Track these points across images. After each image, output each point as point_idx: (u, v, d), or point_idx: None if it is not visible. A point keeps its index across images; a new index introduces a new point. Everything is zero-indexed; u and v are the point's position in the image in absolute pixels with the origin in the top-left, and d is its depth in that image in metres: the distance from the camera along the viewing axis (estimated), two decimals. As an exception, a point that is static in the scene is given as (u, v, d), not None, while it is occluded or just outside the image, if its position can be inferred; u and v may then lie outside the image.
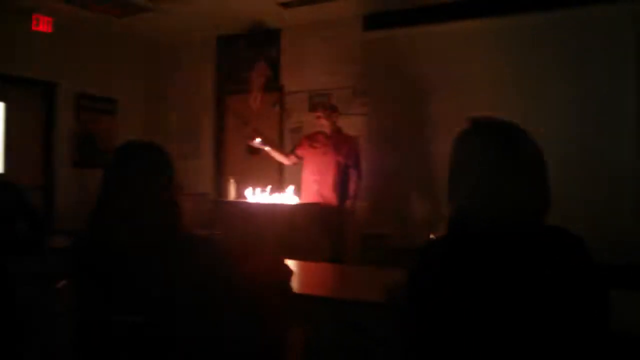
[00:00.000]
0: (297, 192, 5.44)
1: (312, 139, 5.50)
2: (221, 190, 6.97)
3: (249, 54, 7.05)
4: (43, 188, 6.64)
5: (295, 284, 2.45)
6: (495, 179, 1.34)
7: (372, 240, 5.59)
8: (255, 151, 7.01)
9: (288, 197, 5.27)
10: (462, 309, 1.27)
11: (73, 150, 6.95)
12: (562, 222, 1.37)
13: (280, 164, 6.44)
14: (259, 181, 5.64)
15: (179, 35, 7.28)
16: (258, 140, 5.55)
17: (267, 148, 5.61)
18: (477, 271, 1.29)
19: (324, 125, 5.37)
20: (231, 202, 5.38)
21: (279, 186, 5.70)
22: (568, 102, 5.19)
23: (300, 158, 5.58)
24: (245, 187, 5.36)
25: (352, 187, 5.34)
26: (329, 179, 5.33)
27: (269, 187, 5.34)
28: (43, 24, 6.27)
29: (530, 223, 1.36)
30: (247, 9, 6.24)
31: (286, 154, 5.66)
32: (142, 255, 1.74)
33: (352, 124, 6.00)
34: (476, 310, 1.26)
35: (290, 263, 3.16)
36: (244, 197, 5.31)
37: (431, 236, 2.12)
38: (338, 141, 5.39)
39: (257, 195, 5.30)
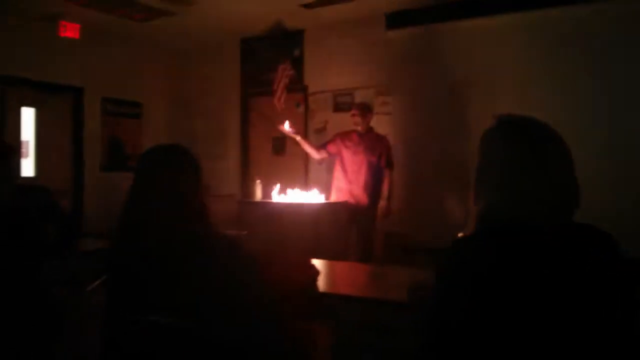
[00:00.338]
0: (324, 191, 5.44)
1: (345, 137, 5.49)
2: (247, 191, 7.01)
3: (272, 55, 7.07)
4: (72, 192, 6.76)
5: (322, 283, 2.45)
6: (520, 176, 1.34)
7: (395, 238, 5.56)
8: (281, 151, 7.05)
9: (314, 196, 5.27)
10: (492, 306, 1.26)
11: (101, 154, 7.06)
12: (596, 220, 1.35)
13: (306, 165, 6.45)
14: (285, 181, 5.65)
15: (202, 39, 7.34)
16: (287, 125, 5.51)
17: (298, 138, 5.58)
18: (507, 269, 1.28)
19: (358, 123, 5.37)
20: (257, 203, 5.39)
21: (304, 186, 5.71)
22: (599, 97, 5.08)
23: (330, 155, 5.56)
24: (272, 188, 5.37)
25: (386, 187, 5.34)
26: (361, 178, 5.33)
27: (295, 189, 5.34)
28: (70, 30, 6.36)
29: (558, 220, 1.34)
30: (270, 11, 6.26)
31: (317, 148, 5.64)
32: (170, 256, 1.75)
33: (375, 123, 6.00)
34: (507, 307, 1.25)
35: (318, 263, 3.16)
36: (270, 198, 5.32)
37: (459, 235, 2.09)
38: (371, 141, 5.38)
39: (283, 196, 5.31)
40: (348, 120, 5.51)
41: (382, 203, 5.31)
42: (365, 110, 5.43)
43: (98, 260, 3.96)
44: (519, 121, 1.44)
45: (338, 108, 6.54)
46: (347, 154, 5.41)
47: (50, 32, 6.25)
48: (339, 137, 5.54)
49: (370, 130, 5.44)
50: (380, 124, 5.98)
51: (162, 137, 7.74)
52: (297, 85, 6.83)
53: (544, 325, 1.23)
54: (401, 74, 6.12)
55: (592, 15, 5.10)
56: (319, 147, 5.63)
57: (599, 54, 5.09)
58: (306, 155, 5.97)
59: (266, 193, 5.46)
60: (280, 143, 7.07)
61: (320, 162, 5.90)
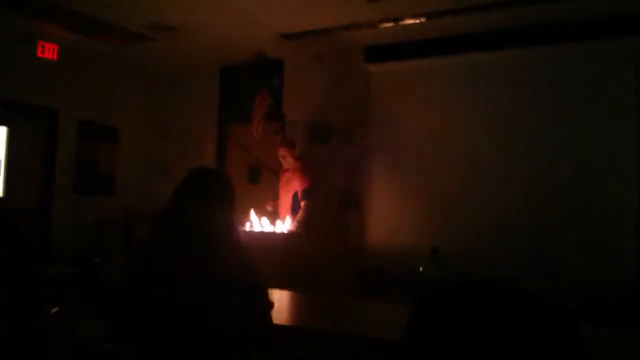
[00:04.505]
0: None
1: (281, 179, 5.83)
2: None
3: (251, 83, 7.07)
4: (41, 213, 6.63)
5: (278, 314, 2.41)
6: None
7: (368, 272, 5.54)
8: (256, 180, 7.03)
9: (282, 225, 5.29)
10: None
11: (73, 176, 6.95)
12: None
13: (277, 194, 6.53)
14: (257, 210, 5.63)
15: (181, 65, 7.34)
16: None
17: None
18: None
19: (289, 162, 5.65)
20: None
21: (275, 215, 5.72)
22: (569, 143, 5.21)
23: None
24: (244, 216, 5.34)
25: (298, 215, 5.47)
26: (286, 212, 5.59)
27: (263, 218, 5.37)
28: (48, 52, 6.33)
29: None
30: (250, 40, 6.28)
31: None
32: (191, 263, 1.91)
33: (352, 155, 6.05)
34: None
35: (281, 294, 3.13)
36: (242, 226, 5.28)
37: (420, 269, 2.08)
38: (293, 176, 5.63)
39: (254, 224, 5.28)
40: (324, 150, 5.57)
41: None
42: (293, 146, 5.70)
43: (60, 284, 3.89)
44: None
45: (314, 138, 6.55)
46: (282, 192, 5.75)
47: (28, 52, 6.22)
48: (280, 184, 5.88)
49: (295, 163, 5.66)
50: (357, 156, 6.06)
51: (138, 162, 7.68)
52: (275, 114, 6.83)
53: None
54: (379, 107, 6.16)
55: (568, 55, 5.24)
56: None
57: (569, 96, 5.22)
58: (277, 185, 6.07)
59: (239, 221, 5.42)
60: (256, 172, 7.05)
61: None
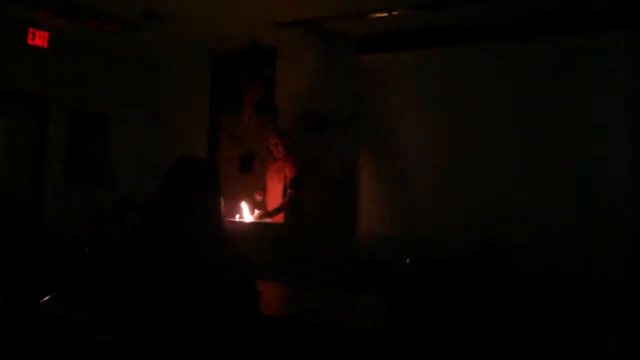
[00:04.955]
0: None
1: (271, 168, 5.79)
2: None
3: (244, 72, 7.05)
4: (34, 202, 6.61)
5: (267, 306, 2.43)
6: None
7: (360, 263, 5.58)
8: (248, 170, 7.03)
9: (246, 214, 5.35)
10: None
11: (65, 165, 6.92)
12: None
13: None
14: (250, 200, 5.64)
15: (174, 53, 7.30)
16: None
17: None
18: None
19: (280, 150, 5.59)
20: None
21: (264, 204, 5.76)
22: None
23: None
24: (236, 207, 5.36)
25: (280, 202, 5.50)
26: (275, 200, 5.59)
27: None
28: (39, 39, 6.28)
29: None
30: (243, 28, 6.26)
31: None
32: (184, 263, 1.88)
33: (344, 146, 6.06)
34: None
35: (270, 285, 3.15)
36: (233, 217, 5.30)
37: (407, 261, 2.10)
38: (284, 165, 5.62)
39: (244, 215, 5.31)
40: (317, 141, 5.58)
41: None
42: (285, 135, 5.68)
43: (52, 273, 3.89)
44: None
45: (307, 128, 6.54)
46: (271, 182, 5.71)
47: (18, 39, 6.16)
48: (268, 173, 5.83)
49: (285, 153, 5.64)
50: (349, 147, 6.07)
51: (130, 151, 7.65)
52: (267, 104, 6.82)
53: None
54: (371, 98, 6.16)
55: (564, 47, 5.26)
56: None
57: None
58: (265, 174, 6.10)
59: (230, 211, 5.44)
60: (248, 162, 7.04)
61: None
